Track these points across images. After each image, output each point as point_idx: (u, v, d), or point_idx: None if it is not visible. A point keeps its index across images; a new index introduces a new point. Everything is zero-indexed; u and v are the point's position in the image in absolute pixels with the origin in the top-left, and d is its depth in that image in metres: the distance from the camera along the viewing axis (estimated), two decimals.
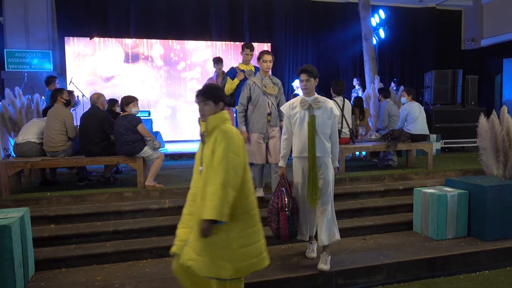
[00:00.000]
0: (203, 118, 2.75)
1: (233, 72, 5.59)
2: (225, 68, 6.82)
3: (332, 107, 3.67)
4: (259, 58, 4.72)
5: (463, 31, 13.81)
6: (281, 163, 3.77)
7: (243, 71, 5.54)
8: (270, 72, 4.86)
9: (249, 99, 4.72)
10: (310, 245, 4.02)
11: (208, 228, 2.56)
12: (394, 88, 11.26)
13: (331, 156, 3.71)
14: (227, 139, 2.60)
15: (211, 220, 2.53)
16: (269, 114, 4.64)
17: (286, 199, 3.67)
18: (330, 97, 6.25)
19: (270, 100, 4.67)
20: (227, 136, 2.62)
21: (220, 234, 2.62)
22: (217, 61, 7.26)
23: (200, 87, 2.85)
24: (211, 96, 2.74)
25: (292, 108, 3.71)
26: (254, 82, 4.69)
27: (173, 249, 2.80)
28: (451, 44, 13.61)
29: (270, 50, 9.73)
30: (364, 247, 4.32)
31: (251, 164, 4.64)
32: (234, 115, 6.04)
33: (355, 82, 10.81)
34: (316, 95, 3.70)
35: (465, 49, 13.67)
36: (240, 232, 2.67)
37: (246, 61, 5.59)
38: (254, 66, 5.64)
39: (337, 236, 3.75)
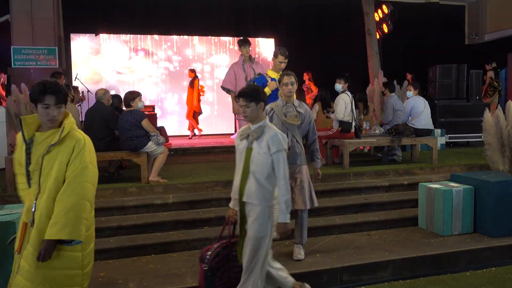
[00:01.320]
0: (52, 122, 2.35)
1: (262, 80, 4.73)
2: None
3: (269, 139, 2.83)
4: (279, 81, 3.86)
5: (467, 26, 13.72)
6: (231, 203, 3.02)
7: (274, 79, 4.71)
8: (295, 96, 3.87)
9: None
10: None
11: (51, 249, 2.25)
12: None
13: (274, 205, 2.88)
14: (85, 149, 2.38)
15: (55, 240, 2.25)
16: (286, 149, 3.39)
17: (210, 252, 2.93)
18: (336, 93, 6.27)
19: (291, 132, 3.71)
20: (85, 145, 2.39)
21: (63, 256, 2.32)
22: (244, 42, 5.85)
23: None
24: (64, 97, 2.36)
25: (238, 137, 3.02)
26: (272, 109, 3.78)
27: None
28: (454, 39, 13.53)
29: (275, 46, 9.56)
30: (369, 243, 4.30)
31: None
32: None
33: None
34: (263, 122, 2.91)
35: (469, 44, 13.58)
36: (84, 250, 2.41)
37: (278, 69, 4.76)
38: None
39: None
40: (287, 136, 3.66)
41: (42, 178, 2.35)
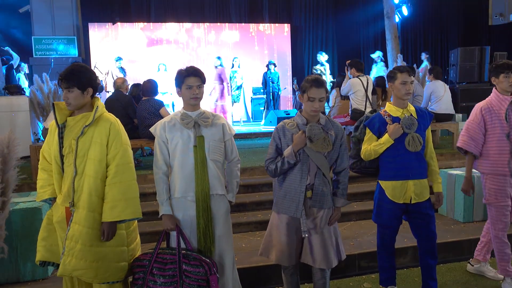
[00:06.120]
0: (70, 107, 2.39)
1: (378, 122, 2.94)
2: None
3: (225, 123, 2.67)
4: (303, 91, 2.59)
5: (491, 6, 13.26)
6: (164, 209, 2.59)
7: (397, 119, 2.88)
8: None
9: (279, 153, 2.70)
10: None
11: (114, 228, 2.39)
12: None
13: (227, 188, 2.71)
14: (121, 130, 2.45)
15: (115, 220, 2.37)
16: (310, 186, 2.64)
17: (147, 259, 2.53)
18: (344, 78, 6.23)
19: (315, 163, 2.61)
20: (120, 127, 2.45)
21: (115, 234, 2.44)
22: (508, 68, 3.14)
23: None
24: (78, 81, 2.35)
25: (169, 128, 2.60)
26: (284, 128, 2.67)
27: (42, 256, 2.48)
28: (478, 20, 13.13)
29: (290, 32, 9.25)
30: None
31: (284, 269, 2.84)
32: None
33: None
34: (201, 109, 2.66)
35: (493, 24, 13.16)
36: (127, 228, 2.53)
37: (403, 103, 2.92)
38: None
39: None
40: (309, 169, 2.62)
41: (78, 160, 2.36)
